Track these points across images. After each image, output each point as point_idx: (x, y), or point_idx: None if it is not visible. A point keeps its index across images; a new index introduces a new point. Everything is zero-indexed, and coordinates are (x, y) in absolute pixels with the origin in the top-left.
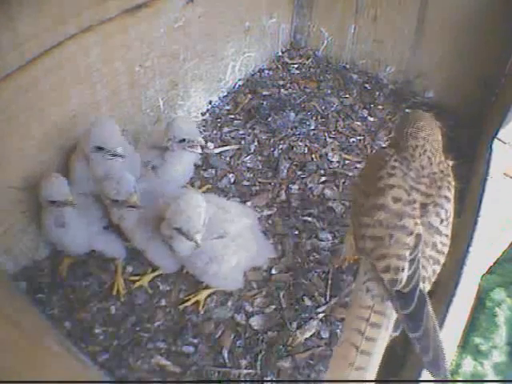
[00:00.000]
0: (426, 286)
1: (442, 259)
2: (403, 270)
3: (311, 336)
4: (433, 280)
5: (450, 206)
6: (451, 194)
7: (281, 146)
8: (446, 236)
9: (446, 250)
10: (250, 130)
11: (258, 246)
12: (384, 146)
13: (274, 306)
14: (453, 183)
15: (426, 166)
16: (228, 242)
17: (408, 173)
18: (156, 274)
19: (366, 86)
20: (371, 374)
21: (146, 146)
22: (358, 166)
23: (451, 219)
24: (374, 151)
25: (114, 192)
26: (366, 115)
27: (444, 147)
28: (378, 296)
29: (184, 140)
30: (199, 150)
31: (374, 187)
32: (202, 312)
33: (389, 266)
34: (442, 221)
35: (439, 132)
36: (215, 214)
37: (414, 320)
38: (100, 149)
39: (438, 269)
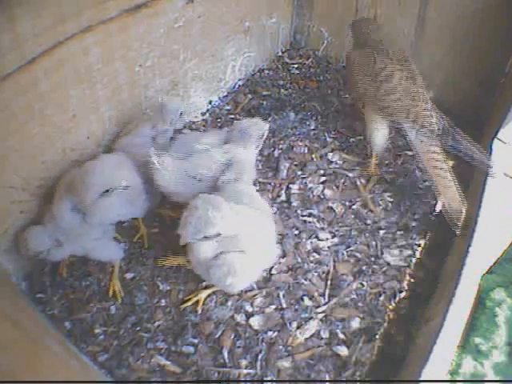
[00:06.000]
0: None
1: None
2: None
3: (311, 336)
4: None
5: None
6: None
7: (281, 146)
8: None
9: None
10: None
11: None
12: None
13: (274, 306)
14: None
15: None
16: (248, 257)
17: (392, 57)
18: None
19: None
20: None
21: None
22: (358, 166)
23: None
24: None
25: None
26: None
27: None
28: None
29: (182, 113)
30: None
31: (376, 80)
32: (200, 311)
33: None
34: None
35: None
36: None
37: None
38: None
39: None
